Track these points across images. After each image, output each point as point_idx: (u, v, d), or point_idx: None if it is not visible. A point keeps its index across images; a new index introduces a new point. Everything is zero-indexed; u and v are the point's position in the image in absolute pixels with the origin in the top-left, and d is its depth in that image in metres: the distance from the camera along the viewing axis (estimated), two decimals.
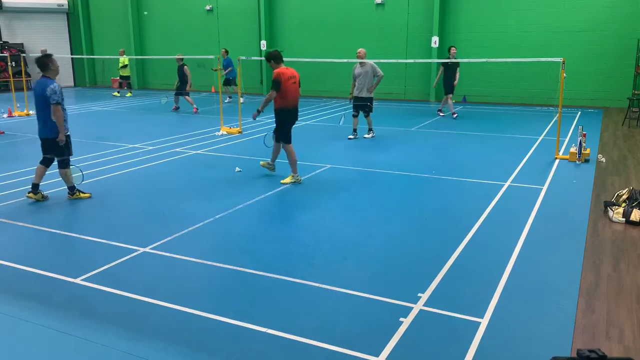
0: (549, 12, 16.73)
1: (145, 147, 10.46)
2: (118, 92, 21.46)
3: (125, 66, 21.04)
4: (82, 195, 7.24)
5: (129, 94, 21.42)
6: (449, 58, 14.02)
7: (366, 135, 11.49)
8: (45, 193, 7.20)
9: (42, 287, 4.58)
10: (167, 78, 22.32)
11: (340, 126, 13.00)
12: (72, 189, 7.21)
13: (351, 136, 11.48)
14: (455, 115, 14.44)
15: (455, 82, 14.37)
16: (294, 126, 8.07)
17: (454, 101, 15.35)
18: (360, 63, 11.17)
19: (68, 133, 7.03)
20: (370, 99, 11.36)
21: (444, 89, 14.62)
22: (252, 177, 8.35)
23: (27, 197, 7.07)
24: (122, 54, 20.91)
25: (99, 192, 7.49)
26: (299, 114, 8.14)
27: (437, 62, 17.78)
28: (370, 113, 11.43)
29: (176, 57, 16.35)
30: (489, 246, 5.43)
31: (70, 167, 7.26)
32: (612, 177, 8.18)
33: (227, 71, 18.05)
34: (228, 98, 18.79)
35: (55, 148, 6.99)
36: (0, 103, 17.70)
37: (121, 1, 24.21)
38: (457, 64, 14.22)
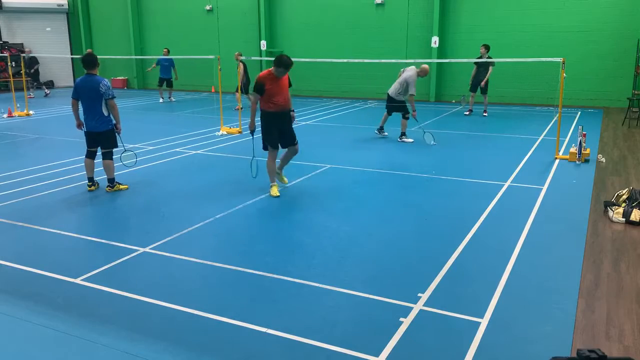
0: (549, 12, 16.73)
1: (145, 147, 10.46)
2: None
3: None
4: (121, 187, 7.53)
5: None
6: (480, 57, 14.24)
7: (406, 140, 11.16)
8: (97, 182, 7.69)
9: (42, 287, 4.58)
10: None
11: (340, 126, 13.00)
12: (112, 182, 7.46)
13: (385, 133, 11.56)
14: (468, 113, 15.02)
15: (482, 82, 14.62)
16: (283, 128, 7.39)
17: (454, 101, 15.45)
18: (407, 69, 11.07)
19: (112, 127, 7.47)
20: (394, 100, 11.13)
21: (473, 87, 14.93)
22: (252, 177, 8.35)
23: (89, 190, 7.49)
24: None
25: (99, 192, 7.49)
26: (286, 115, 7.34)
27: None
28: (405, 117, 11.13)
29: (235, 54, 16.21)
30: (489, 246, 5.43)
31: (126, 153, 7.94)
32: (612, 177, 8.18)
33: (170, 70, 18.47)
34: (161, 99, 18.97)
35: (105, 140, 7.37)
36: (0, 103, 17.70)
37: (121, 1, 24.22)
38: (487, 63, 14.31)
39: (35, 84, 21.16)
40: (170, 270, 4.92)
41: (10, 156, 10.12)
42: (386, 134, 11.56)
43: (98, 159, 7.55)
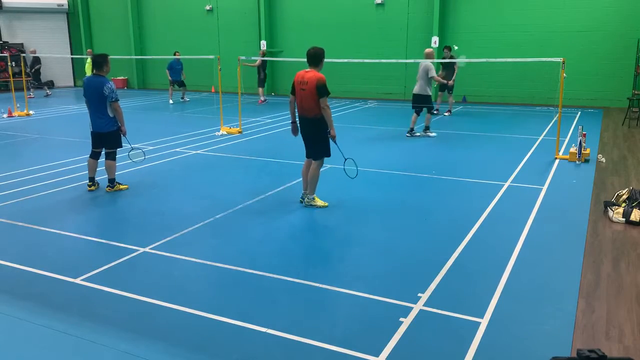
0: (548, 12, 16.73)
1: (145, 147, 10.44)
2: None
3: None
4: (121, 187, 7.55)
5: None
6: (444, 58, 14.65)
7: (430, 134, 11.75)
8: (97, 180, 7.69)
9: (42, 287, 4.58)
10: (167, 78, 22.32)
11: (340, 127, 12.99)
12: (112, 182, 7.49)
13: (417, 134, 11.78)
14: (447, 114, 15.16)
15: (450, 82, 14.74)
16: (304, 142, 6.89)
17: (454, 101, 15.54)
18: (421, 62, 11.66)
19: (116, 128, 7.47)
20: (422, 97, 11.61)
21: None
22: (252, 177, 8.35)
23: (89, 190, 7.50)
24: (91, 54, 20.91)
25: (99, 192, 7.49)
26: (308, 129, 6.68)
27: (439, 63, 17.87)
28: (430, 111, 11.77)
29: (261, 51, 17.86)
30: (489, 246, 5.43)
31: (133, 152, 7.94)
32: (612, 177, 8.18)
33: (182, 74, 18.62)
34: (171, 100, 18.81)
35: (110, 140, 7.41)
36: (0, 103, 17.70)
37: (121, 1, 24.22)
38: (452, 64, 14.78)
39: (36, 83, 21.16)
40: (170, 270, 4.92)
41: (10, 156, 10.12)
42: (418, 134, 11.73)
43: (101, 159, 7.55)
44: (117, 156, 7.56)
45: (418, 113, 11.64)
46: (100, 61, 7.32)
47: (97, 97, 7.19)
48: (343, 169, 7.07)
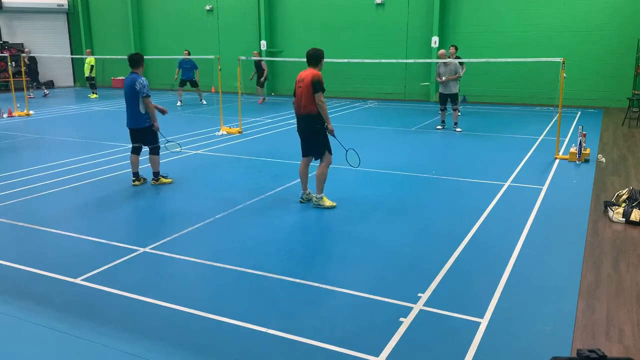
0: (549, 12, 16.74)
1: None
2: (95, 94, 20.75)
3: (92, 67, 20.36)
4: (164, 180, 7.83)
5: (94, 96, 20.60)
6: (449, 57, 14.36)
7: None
8: (143, 177, 7.98)
9: (42, 287, 4.58)
10: (167, 78, 22.33)
11: (340, 127, 12.99)
12: (156, 175, 7.77)
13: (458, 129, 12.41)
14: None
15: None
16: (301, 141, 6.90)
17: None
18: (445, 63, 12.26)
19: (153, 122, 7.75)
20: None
21: None
22: (252, 177, 8.35)
23: (133, 185, 7.77)
24: (90, 54, 20.86)
25: (99, 192, 7.49)
26: (306, 128, 6.66)
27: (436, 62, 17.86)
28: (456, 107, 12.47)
29: (254, 53, 18.14)
30: (489, 246, 5.43)
31: (170, 143, 8.34)
32: (612, 177, 8.18)
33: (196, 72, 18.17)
34: (179, 102, 18.32)
35: (145, 137, 7.74)
36: (0, 103, 17.69)
37: (121, 1, 24.22)
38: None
39: (34, 83, 21.20)
40: (171, 270, 4.92)
41: (10, 156, 10.12)
42: (459, 130, 12.29)
43: (143, 156, 7.82)
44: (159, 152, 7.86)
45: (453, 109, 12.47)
46: (136, 59, 7.65)
47: (132, 93, 7.49)
48: (345, 159, 7.05)
